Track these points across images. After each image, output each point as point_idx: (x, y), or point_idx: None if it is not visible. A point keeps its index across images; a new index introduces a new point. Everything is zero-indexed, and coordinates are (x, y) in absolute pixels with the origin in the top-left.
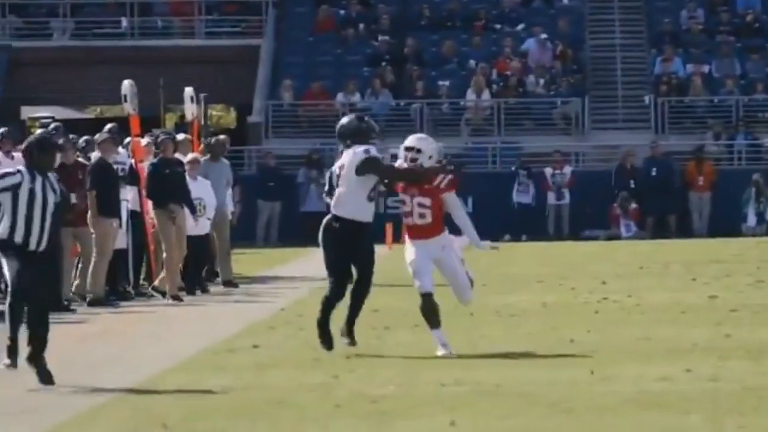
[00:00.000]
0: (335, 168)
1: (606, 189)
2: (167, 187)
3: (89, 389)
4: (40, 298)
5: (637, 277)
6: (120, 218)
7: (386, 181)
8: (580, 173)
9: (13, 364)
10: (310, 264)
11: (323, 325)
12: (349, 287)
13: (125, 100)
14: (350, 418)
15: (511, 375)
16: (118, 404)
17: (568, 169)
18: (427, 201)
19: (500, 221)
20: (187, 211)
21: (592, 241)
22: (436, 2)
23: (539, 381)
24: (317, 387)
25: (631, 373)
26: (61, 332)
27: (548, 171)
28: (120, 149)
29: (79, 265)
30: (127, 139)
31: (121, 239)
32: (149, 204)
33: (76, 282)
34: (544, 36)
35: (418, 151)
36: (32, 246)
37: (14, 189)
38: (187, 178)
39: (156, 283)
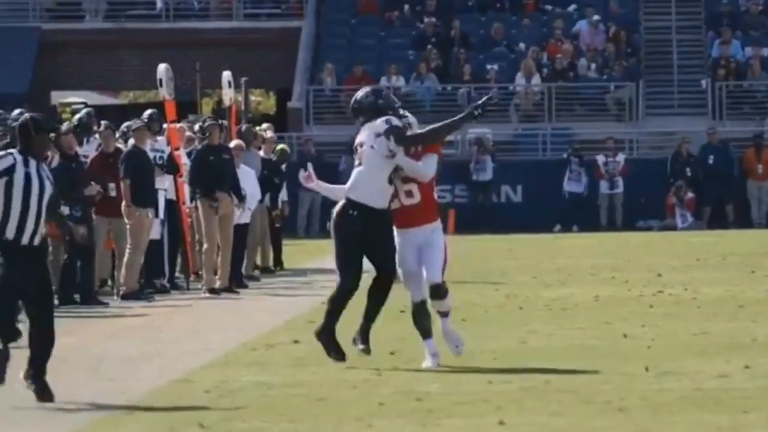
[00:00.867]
0: (356, 146)
1: (661, 177)
2: (213, 174)
3: (123, 386)
4: (38, 301)
5: (693, 269)
6: (156, 208)
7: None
8: (634, 161)
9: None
10: None
11: (330, 332)
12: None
13: (161, 85)
14: (394, 417)
15: (562, 371)
16: (152, 402)
17: (621, 157)
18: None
19: (551, 211)
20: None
21: (646, 232)
22: None
23: (591, 378)
24: (360, 384)
25: (688, 369)
26: (93, 327)
27: (601, 159)
28: (159, 137)
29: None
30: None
31: (156, 230)
32: (187, 193)
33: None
34: (596, 17)
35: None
36: (25, 240)
37: (8, 174)
38: None
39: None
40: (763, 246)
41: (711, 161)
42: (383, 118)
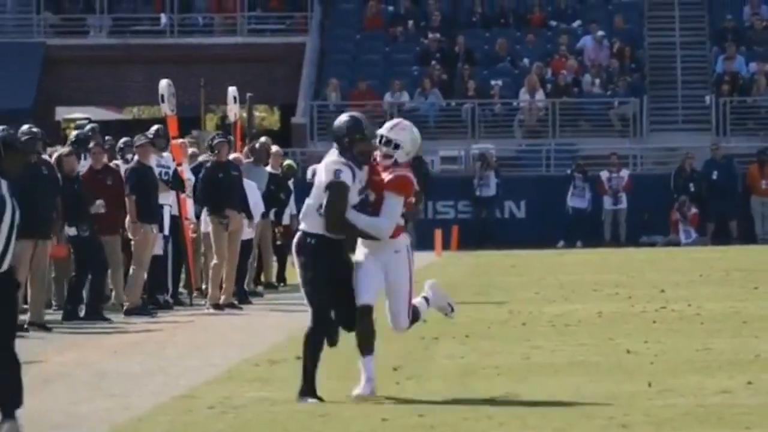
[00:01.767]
0: (308, 172)
1: (665, 193)
2: (222, 191)
3: (126, 402)
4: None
5: (697, 285)
6: (161, 224)
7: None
8: (638, 177)
9: None
10: None
11: (311, 371)
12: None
13: (162, 101)
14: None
15: (565, 387)
16: (156, 418)
17: (625, 173)
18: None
19: (554, 227)
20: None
21: (650, 248)
22: None
23: (595, 393)
24: (362, 400)
25: (691, 385)
26: (96, 343)
27: (605, 174)
28: (164, 153)
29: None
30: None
31: (159, 245)
32: (190, 208)
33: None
34: (600, 33)
35: (396, 146)
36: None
37: None
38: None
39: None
40: (767, 262)
41: (715, 177)
42: (337, 164)
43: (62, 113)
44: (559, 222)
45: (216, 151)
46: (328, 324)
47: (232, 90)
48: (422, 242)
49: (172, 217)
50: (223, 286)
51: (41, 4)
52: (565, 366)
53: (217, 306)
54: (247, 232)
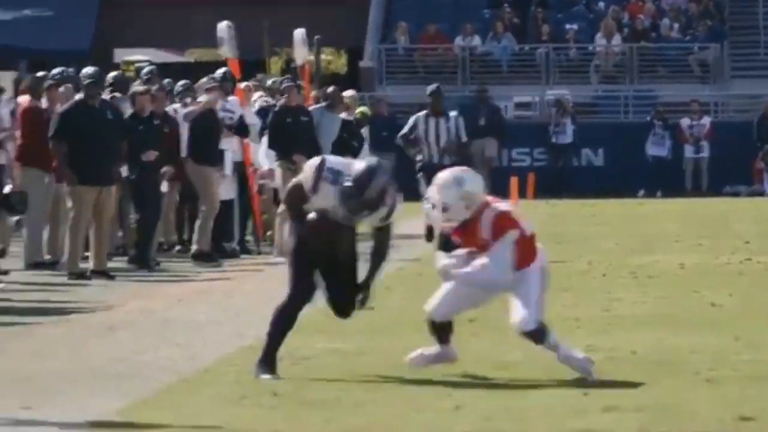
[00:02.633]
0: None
1: (748, 142)
2: (290, 136)
3: (191, 352)
4: None
5: None
6: (223, 167)
7: None
8: (720, 124)
9: None
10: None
11: (272, 345)
12: None
13: (221, 43)
14: (476, 387)
15: (648, 341)
16: (223, 369)
17: (706, 120)
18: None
19: (633, 176)
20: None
21: (733, 198)
22: None
23: (679, 348)
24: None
25: None
26: (160, 291)
27: (685, 122)
28: (230, 97)
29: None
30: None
31: (229, 190)
32: (254, 155)
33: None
34: None
35: (445, 209)
36: None
37: None
38: None
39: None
40: None
41: None
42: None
43: (121, 55)
44: (638, 170)
45: (286, 95)
46: (305, 298)
47: (299, 32)
48: (497, 190)
49: (237, 164)
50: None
51: None
52: (647, 319)
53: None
54: None
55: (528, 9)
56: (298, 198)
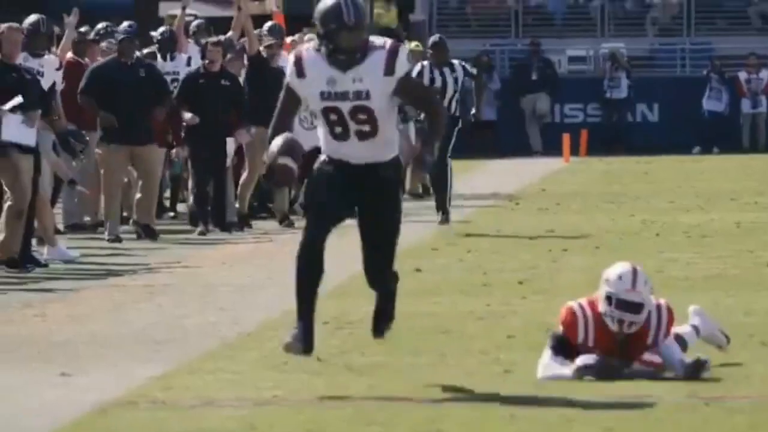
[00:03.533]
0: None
1: None
2: None
3: (234, 316)
4: None
5: None
6: None
7: None
8: None
9: None
10: (479, 178)
11: (299, 308)
12: None
13: None
14: (524, 350)
15: (701, 302)
16: (266, 334)
17: (765, 73)
18: None
19: (689, 131)
20: None
21: None
22: None
23: (733, 308)
24: (487, 315)
25: None
26: (203, 254)
27: (743, 75)
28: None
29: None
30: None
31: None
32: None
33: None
34: None
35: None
36: None
37: None
38: None
39: None
40: None
41: None
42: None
43: (166, 9)
44: (694, 126)
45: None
46: (318, 246)
47: None
48: (550, 147)
49: None
50: None
51: None
52: (702, 279)
53: None
54: None
55: None
56: (289, 102)
